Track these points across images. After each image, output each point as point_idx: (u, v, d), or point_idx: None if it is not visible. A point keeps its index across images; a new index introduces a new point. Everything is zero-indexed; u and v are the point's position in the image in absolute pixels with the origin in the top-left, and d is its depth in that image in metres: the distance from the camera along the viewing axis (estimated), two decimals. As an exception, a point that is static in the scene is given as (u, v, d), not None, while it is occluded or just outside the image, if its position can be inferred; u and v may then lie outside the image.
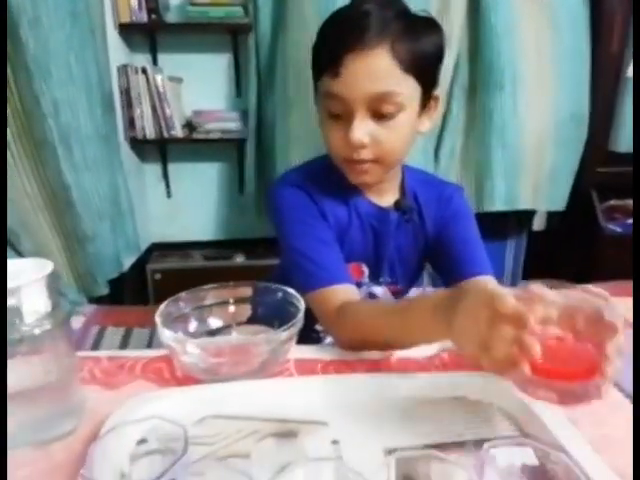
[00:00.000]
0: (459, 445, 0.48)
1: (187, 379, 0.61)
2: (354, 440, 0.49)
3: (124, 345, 1.09)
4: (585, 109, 1.82)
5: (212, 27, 1.96)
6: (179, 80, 2.07)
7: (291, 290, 0.65)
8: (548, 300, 0.42)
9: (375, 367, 0.63)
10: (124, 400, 0.53)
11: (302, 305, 0.62)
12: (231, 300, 0.69)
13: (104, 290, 1.41)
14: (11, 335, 0.46)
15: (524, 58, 1.71)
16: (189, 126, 2.08)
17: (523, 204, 1.88)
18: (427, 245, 0.82)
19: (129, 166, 1.86)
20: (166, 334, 0.58)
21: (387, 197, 0.80)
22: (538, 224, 2.04)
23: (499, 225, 2.02)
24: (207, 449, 0.47)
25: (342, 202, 0.78)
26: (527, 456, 0.40)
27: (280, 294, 0.67)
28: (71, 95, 1.31)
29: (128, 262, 1.74)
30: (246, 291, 0.71)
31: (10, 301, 0.46)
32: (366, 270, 0.81)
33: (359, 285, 0.80)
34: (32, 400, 0.49)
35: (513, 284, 2.15)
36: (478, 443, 0.47)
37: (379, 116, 0.66)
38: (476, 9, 1.69)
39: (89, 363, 0.64)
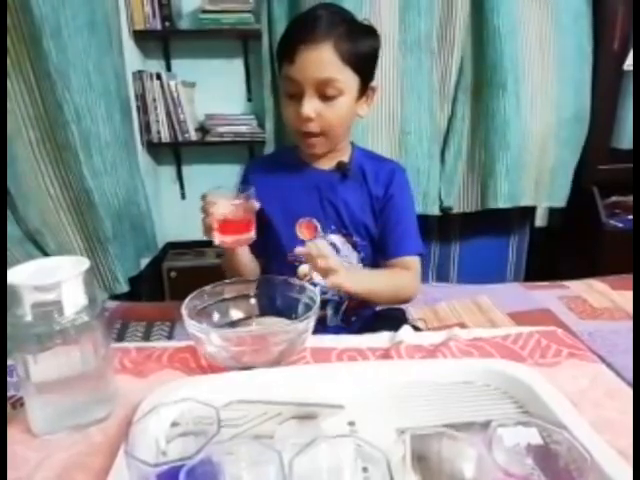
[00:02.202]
0: (467, 426, 0.51)
1: (211, 367, 0.65)
2: (369, 421, 0.52)
3: (146, 338, 1.13)
4: (587, 107, 1.84)
5: (223, 33, 2.00)
6: (192, 85, 2.12)
7: (308, 285, 0.69)
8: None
9: (386, 354, 0.67)
10: (153, 387, 0.57)
11: (318, 298, 0.65)
12: (251, 293, 0.73)
13: (125, 288, 1.46)
14: (52, 327, 0.50)
15: (527, 58, 1.73)
16: (202, 129, 2.13)
17: (526, 201, 1.90)
18: (373, 205, 0.94)
19: (145, 169, 1.91)
20: (192, 325, 0.62)
21: (331, 163, 0.94)
22: (540, 220, 2.07)
23: (502, 222, 2.04)
24: (234, 430, 0.51)
25: (290, 173, 0.95)
26: (532, 436, 0.43)
27: (297, 288, 0.72)
28: (91, 102, 1.36)
29: (145, 261, 1.79)
30: (263, 285, 0.76)
31: (51, 295, 0.50)
32: (317, 224, 0.93)
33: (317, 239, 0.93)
34: (71, 387, 0.53)
35: (516, 279, 2.16)
36: (485, 424, 0.50)
37: (324, 97, 0.82)
38: (479, 11, 1.71)
39: (119, 353, 0.68)
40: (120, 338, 1.13)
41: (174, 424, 0.51)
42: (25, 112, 1.26)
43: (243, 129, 2.10)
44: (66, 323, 0.51)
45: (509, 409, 0.53)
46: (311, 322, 0.63)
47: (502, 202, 1.86)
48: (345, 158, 0.95)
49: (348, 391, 0.56)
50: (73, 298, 0.51)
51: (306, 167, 0.95)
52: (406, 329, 0.73)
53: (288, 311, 0.72)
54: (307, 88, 0.81)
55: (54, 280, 0.50)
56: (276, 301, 0.74)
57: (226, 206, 0.75)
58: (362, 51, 0.83)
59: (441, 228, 2.09)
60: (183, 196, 2.28)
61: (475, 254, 2.15)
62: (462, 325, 1.16)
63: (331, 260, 0.76)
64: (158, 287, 2.06)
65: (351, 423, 0.52)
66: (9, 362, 0.94)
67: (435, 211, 1.90)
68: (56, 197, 1.33)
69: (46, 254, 1.29)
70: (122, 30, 1.74)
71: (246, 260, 0.91)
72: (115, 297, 1.47)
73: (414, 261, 0.93)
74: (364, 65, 0.85)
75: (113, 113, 1.49)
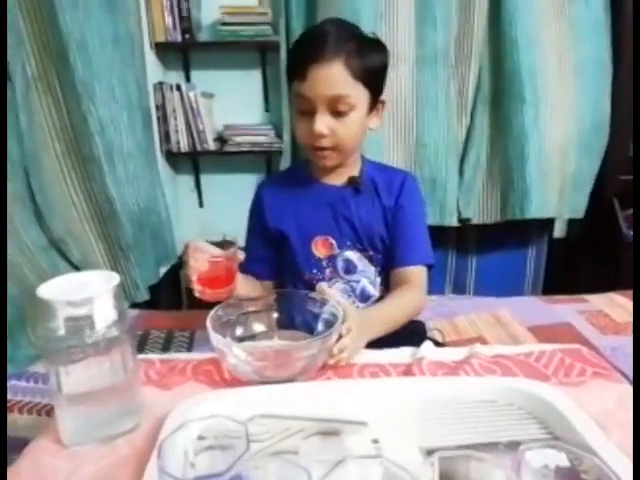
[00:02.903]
0: (491, 446, 0.51)
1: (234, 381, 0.66)
2: (392, 439, 0.52)
3: (167, 346, 1.15)
4: (606, 117, 1.82)
5: (242, 45, 2.03)
6: (211, 96, 2.15)
7: (330, 300, 0.70)
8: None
9: (408, 370, 0.67)
10: (178, 400, 0.58)
11: (340, 314, 0.66)
12: (273, 306, 0.74)
13: (145, 296, 1.48)
14: (84, 341, 0.52)
15: (545, 69, 1.73)
16: (220, 139, 2.15)
17: (545, 212, 1.89)
18: (386, 216, 0.94)
19: (164, 178, 1.94)
20: (216, 338, 0.63)
21: (342, 178, 0.94)
22: (559, 231, 2.05)
23: (520, 233, 2.03)
24: (258, 445, 0.51)
25: (302, 190, 0.95)
26: (559, 459, 0.43)
27: (318, 303, 0.73)
28: (114, 113, 1.39)
29: (164, 269, 1.81)
30: (285, 299, 0.76)
31: (83, 310, 0.52)
32: (333, 241, 0.93)
33: (334, 257, 0.92)
34: (101, 400, 0.54)
35: (534, 291, 2.14)
36: (510, 445, 0.50)
37: (336, 113, 0.83)
38: (496, 23, 1.72)
39: (143, 365, 0.69)
40: (141, 347, 1.15)
41: (200, 437, 0.52)
42: (52, 125, 1.30)
43: (261, 139, 2.12)
44: (97, 337, 0.52)
45: (534, 430, 0.53)
46: (333, 338, 0.64)
47: (522, 214, 1.85)
48: (355, 172, 0.95)
49: (371, 408, 0.57)
50: (104, 313, 0.53)
51: (318, 184, 0.95)
52: (427, 345, 0.73)
53: (308, 325, 0.73)
54: (319, 105, 0.82)
55: (86, 295, 0.51)
56: (297, 315, 0.75)
57: (206, 260, 0.74)
58: (372, 66, 0.84)
59: (458, 239, 2.08)
60: (201, 204, 2.31)
61: (492, 266, 2.14)
62: (482, 339, 1.15)
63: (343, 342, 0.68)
64: (176, 295, 2.08)
65: (375, 441, 0.52)
66: (41, 370, 0.96)
67: (453, 222, 1.90)
68: (80, 207, 1.36)
69: (70, 262, 1.32)
70: (144, 42, 1.78)
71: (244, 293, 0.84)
72: (135, 305, 1.49)
73: (419, 272, 0.91)
74: (374, 79, 0.86)
75: (135, 124, 1.52)
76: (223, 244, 0.76)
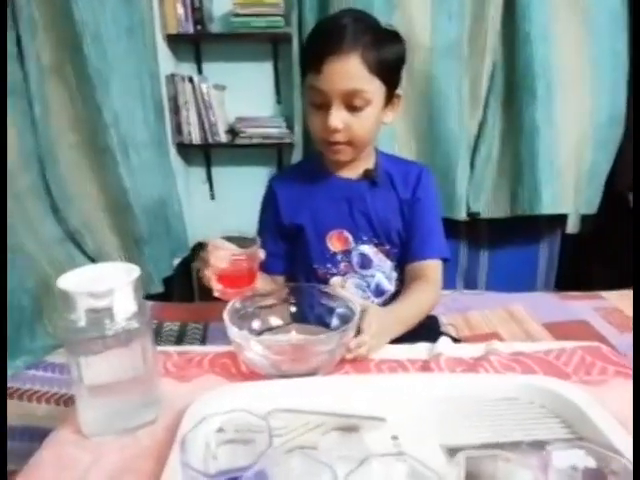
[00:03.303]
0: (514, 445, 0.50)
1: (252, 374, 0.66)
2: (412, 436, 0.52)
3: (181, 338, 1.16)
4: (622, 110, 1.79)
5: (254, 37, 2.02)
6: (222, 88, 2.14)
7: (347, 294, 0.70)
8: None
9: (425, 366, 0.67)
10: (197, 392, 0.58)
11: (357, 309, 0.65)
12: (290, 300, 0.74)
13: (160, 288, 1.49)
14: (104, 332, 0.52)
15: (559, 63, 1.70)
16: (232, 132, 2.15)
17: (557, 208, 1.87)
18: (402, 209, 0.93)
19: (176, 170, 1.94)
20: (233, 331, 0.63)
21: (357, 171, 0.93)
22: (572, 227, 2.02)
23: (532, 228, 2.00)
24: (278, 440, 0.51)
25: (316, 184, 0.93)
26: (587, 460, 0.42)
27: (334, 297, 0.73)
28: (128, 105, 1.39)
29: (176, 261, 1.82)
30: (301, 292, 0.76)
31: (104, 302, 0.52)
32: (349, 235, 0.91)
33: (349, 252, 0.91)
34: (121, 391, 0.54)
35: (546, 286, 2.12)
36: (533, 445, 0.50)
37: (351, 107, 0.81)
38: (510, 16, 1.69)
39: (161, 357, 0.69)
40: (155, 338, 1.16)
41: (220, 430, 0.52)
42: (66, 115, 1.30)
43: (272, 131, 2.11)
44: (117, 329, 0.52)
45: (557, 429, 0.52)
46: (351, 333, 0.63)
47: (531, 209, 1.83)
48: (370, 165, 0.93)
49: (389, 403, 0.56)
50: (124, 305, 0.53)
51: (332, 177, 0.93)
52: (444, 341, 0.72)
53: (322, 320, 0.73)
54: (334, 99, 0.80)
55: (107, 287, 0.51)
56: (311, 309, 0.75)
57: (228, 258, 0.71)
58: (388, 59, 0.82)
59: (470, 233, 2.07)
60: (212, 197, 2.31)
61: (504, 261, 2.12)
62: (496, 335, 1.14)
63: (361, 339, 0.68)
64: (188, 287, 2.09)
65: (394, 437, 0.52)
66: (61, 360, 0.96)
67: (462, 216, 1.89)
68: (96, 198, 1.37)
69: (85, 253, 1.32)
70: (156, 34, 1.78)
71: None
72: (148, 297, 1.50)
73: (435, 266, 0.91)
74: (391, 73, 0.84)
75: (148, 116, 1.52)
76: (242, 241, 0.74)
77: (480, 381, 0.61)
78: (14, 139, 1.11)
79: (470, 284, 2.11)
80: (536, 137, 1.75)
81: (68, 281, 0.52)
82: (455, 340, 0.76)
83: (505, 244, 2.09)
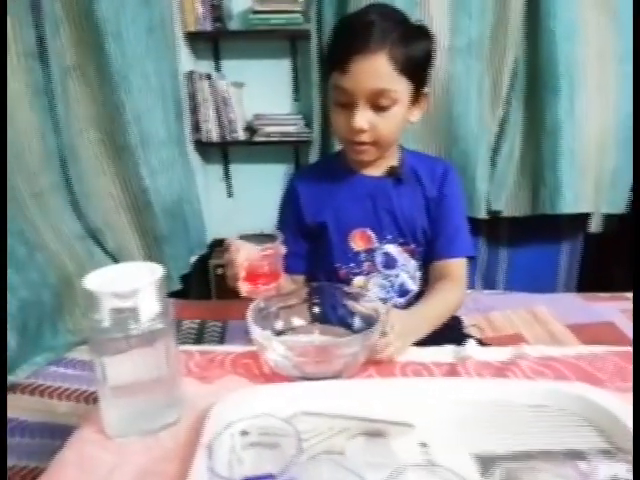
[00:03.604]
0: (547, 455, 0.48)
1: (274, 375, 0.65)
2: (441, 443, 0.51)
3: (200, 336, 1.16)
4: (647, 110, 1.75)
5: (272, 34, 2.01)
6: (241, 85, 2.13)
7: (372, 295, 0.68)
8: None
9: (452, 370, 0.65)
10: (219, 393, 0.57)
11: (383, 310, 0.64)
12: (314, 300, 0.73)
13: (177, 285, 1.50)
14: (128, 333, 0.51)
15: (584, 61, 1.66)
16: (250, 129, 2.15)
17: (580, 207, 1.83)
18: (429, 207, 0.91)
19: (194, 167, 1.95)
20: (256, 331, 0.62)
21: (381, 169, 0.91)
22: (595, 226, 1.97)
23: (554, 227, 1.97)
24: (303, 444, 0.50)
25: (339, 182, 0.91)
26: (624, 470, 0.40)
27: (355, 297, 0.72)
28: (149, 103, 1.39)
29: (194, 258, 1.83)
30: (321, 292, 0.75)
31: (128, 302, 0.51)
32: (372, 234, 0.89)
33: (372, 251, 0.89)
34: (145, 391, 0.54)
35: (568, 287, 2.08)
36: (568, 454, 0.48)
37: (377, 107, 0.79)
38: (534, 14, 1.65)
39: (183, 357, 0.69)
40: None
41: (244, 432, 0.51)
42: (87, 114, 1.30)
43: (290, 129, 2.10)
44: (141, 329, 0.51)
45: (593, 438, 0.50)
46: (376, 335, 0.62)
47: (552, 208, 1.80)
48: (395, 162, 0.91)
49: (416, 408, 0.55)
50: (148, 305, 0.52)
51: (356, 175, 0.91)
52: (471, 343, 0.70)
53: (343, 320, 0.72)
54: (360, 99, 0.78)
55: (132, 287, 0.50)
56: (332, 309, 0.74)
57: (254, 254, 0.69)
58: (417, 56, 0.80)
59: (490, 232, 2.04)
60: (230, 194, 2.31)
61: (525, 260, 2.08)
62: (519, 337, 1.12)
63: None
64: (205, 284, 2.10)
65: (423, 444, 0.51)
66: (82, 357, 0.96)
67: (482, 214, 1.86)
68: (116, 196, 1.37)
69: (105, 251, 1.33)
70: (175, 32, 1.78)
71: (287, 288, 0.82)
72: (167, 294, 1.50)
73: (461, 264, 0.89)
74: (418, 71, 0.82)
75: (168, 113, 1.52)
76: (261, 238, 0.72)
77: (510, 386, 0.59)
78: (36, 138, 1.12)
79: (489, 283, 2.07)
80: (558, 135, 1.72)
81: (92, 281, 0.52)
82: (480, 343, 0.74)
83: (525, 243, 2.06)
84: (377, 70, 0.76)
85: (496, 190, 1.86)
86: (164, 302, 0.54)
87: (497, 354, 0.69)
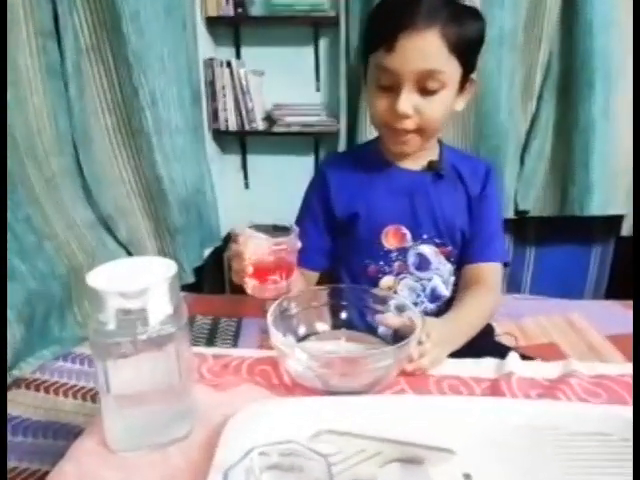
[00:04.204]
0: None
1: (295, 386, 0.59)
2: (487, 476, 0.44)
3: (213, 334, 1.11)
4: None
5: (295, 20, 1.94)
6: (261, 73, 2.07)
7: (409, 303, 0.62)
8: None
9: (495, 387, 0.58)
10: (234, 403, 0.52)
11: (419, 320, 0.57)
12: (341, 303, 0.66)
13: (191, 278, 1.45)
14: (136, 337, 0.45)
15: (621, 54, 1.58)
16: (269, 119, 2.08)
17: (611, 209, 1.76)
18: (470, 207, 0.84)
19: (210, 156, 1.89)
20: (277, 337, 0.56)
21: (421, 162, 0.84)
22: (627, 229, 1.88)
23: (584, 229, 1.89)
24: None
25: (373, 173, 0.84)
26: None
27: (381, 299, 0.65)
28: (165, 87, 1.34)
29: (208, 250, 1.77)
30: (352, 295, 0.68)
31: (137, 303, 0.45)
32: (407, 232, 0.83)
33: (405, 250, 0.82)
34: (153, 402, 0.48)
35: (597, 292, 2.01)
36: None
37: (424, 91, 0.72)
38: (571, 4, 1.58)
39: (195, 360, 0.63)
40: (187, 333, 1.11)
41: (262, 453, 0.46)
42: (103, 97, 1.25)
43: (311, 120, 2.03)
44: (151, 333, 0.46)
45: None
46: (412, 347, 0.56)
47: (581, 210, 1.74)
48: (434, 156, 0.84)
49: (456, 432, 0.48)
50: (159, 306, 0.46)
51: (392, 167, 0.84)
52: (514, 357, 0.63)
53: (374, 326, 0.65)
54: (406, 80, 0.71)
55: (140, 287, 0.44)
56: (363, 314, 0.67)
57: (264, 248, 0.62)
58: (469, 37, 0.73)
59: (516, 232, 1.96)
60: (247, 185, 2.25)
61: (552, 263, 2.00)
62: (554, 346, 1.05)
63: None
64: (219, 277, 2.05)
65: (467, 476, 0.44)
66: (87, 351, 0.90)
67: (509, 214, 1.80)
68: (129, 183, 1.32)
69: (116, 239, 1.28)
70: (195, 16, 1.72)
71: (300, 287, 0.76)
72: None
73: (496, 270, 0.83)
74: (469, 53, 0.75)
75: (184, 100, 1.47)
76: (273, 230, 0.65)
77: (562, 410, 0.52)
78: (49, 121, 1.07)
79: (513, 286, 2.00)
80: (591, 132, 1.65)
81: (98, 277, 0.46)
82: (523, 357, 0.67)
83: (553, 245, 1.98)
84: (427, 49, 0.69)
85: (524, 189, 1.79)
86: (177, 302, 0.48)
87: (544, 370, 0.62)
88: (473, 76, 0.78)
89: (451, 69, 0.72)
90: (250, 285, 0.65)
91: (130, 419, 0.48)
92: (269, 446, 0.44)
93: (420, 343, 0.58)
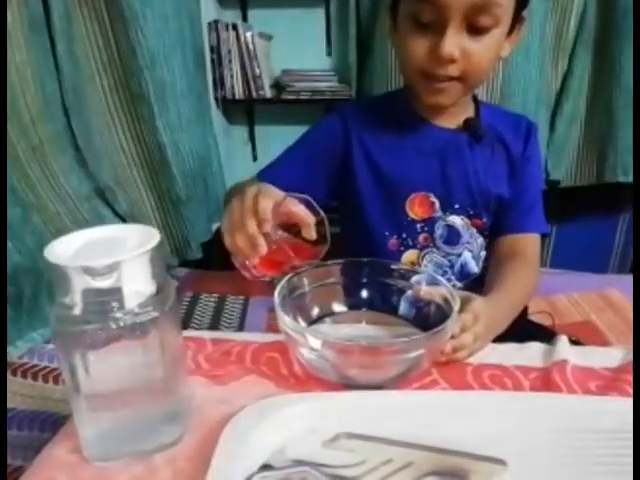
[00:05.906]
0: None
1: (307, 377, 0.50)
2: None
3: (217, 313, 1.03)
4: None
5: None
6: (269, 37, 1.95)
7: (444, 281, 0.52)
8: None
9: (546, 379, 0.49)
10: (235, 401, 0.44)
11: (457, 301, 0.48)
12: (361, 280, 0.56)
13: (197, 254, 1.37)
14: (109, 324, 0.36)
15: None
16: (277, 86, 1.97)
17: None
18: (510, 171, 0.74)
19: (217, 127, 1.79)
20: (285, 320, 0.47)
21: (456, 120, 0.73)
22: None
23: (611, 199, 1.78)
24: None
25: (401, 130, 0.73)
26: None
27: (404, 274, 0.56)
28: (166, 48, 1.23)
29: (215, 225, 1.69)
30: (374, 271, 0.58)
31: (107, 281, 0.36)
32: (436, 200, 0.72)
33: (432, 221, 0.73)
34: (133, 403, 0.39)
35: (621, 268, 1.90)
36: None
37: (474, 29, 0.60)
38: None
39: (192, 346, 0.55)
40: (190, 311, 1.04)
41: (265, 466, 0.37)
42: (98, 57, 1.15)
43: (322, 86, 1.92)
44: (127, 320, 0.37)
45: None
46: (448, 334, 0.46)
47: (625, 175, 1.60)
48: (470, 114, 0.73)
49: (507, 437, 0.39)
50: (137, 286, 0.37)
51: (423, 124, 0.72)
52: (564, 342, 0.54)
53: (388, 303, 0.56)
54: (453, 16, 0.58)
55: (111, 260, 0.35)
56: (385, 293, 0.57)
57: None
58: None
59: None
60: (255, 158, 2.16)
61: (575, 235, 1.89)
62: (590, 325, 0.95)
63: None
64: (227, 254, 1.97)
65: (525, 495, 0.35)
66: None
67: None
68: (129, 151, 1.23)
69: (116, 213, 1.20)
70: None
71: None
72: (184, 264, 1.37)
73: (535, 241, 0.74)
74: None
75: (187, 64, 1.36)
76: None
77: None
78: (34, 82, 0.97)
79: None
80: (632, 91, 1.50)
81: (59, 250, 0.37)
82: (573, 342, 0.57)
83: (577, 217, 1.86)
84: None
85: (555, 157, 1.66)
86: (161, 281, 0.39)
87: (601, 358, 0.52)
88: (524, 13, 0.66)
89: (507, 1, 0.60)
90: (253, 263, 0.55)
91: (105, 423, 0.40)
92: (275, 471, 0.36)
93: (463, 330, 0.49)
